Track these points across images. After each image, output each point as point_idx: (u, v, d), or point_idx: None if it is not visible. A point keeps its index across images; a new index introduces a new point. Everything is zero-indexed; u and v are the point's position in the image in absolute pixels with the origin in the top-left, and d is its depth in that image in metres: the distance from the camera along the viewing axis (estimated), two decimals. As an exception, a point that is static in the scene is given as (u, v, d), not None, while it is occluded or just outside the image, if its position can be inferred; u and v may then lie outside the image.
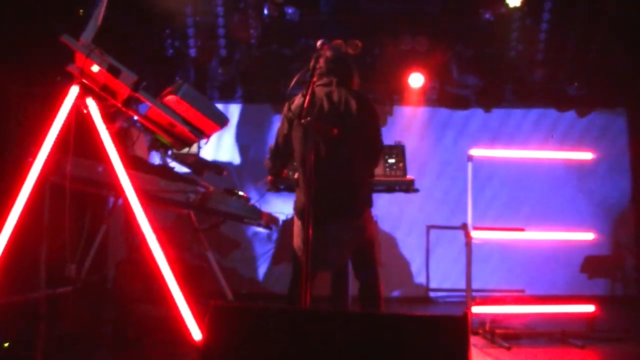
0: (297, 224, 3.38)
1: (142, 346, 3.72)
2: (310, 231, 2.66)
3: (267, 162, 3.65)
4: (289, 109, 3.38)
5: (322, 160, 3.19)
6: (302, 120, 2.74)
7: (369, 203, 3.46)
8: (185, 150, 3.90)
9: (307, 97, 2.82)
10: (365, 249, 3.41)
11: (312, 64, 3.06)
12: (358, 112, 3.29)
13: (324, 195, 3.12)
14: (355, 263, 3.47)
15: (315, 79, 3.26)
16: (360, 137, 3.31)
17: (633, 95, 6.31)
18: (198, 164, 4.22)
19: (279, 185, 4.07)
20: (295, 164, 3.53)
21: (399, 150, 4.65)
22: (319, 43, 3.13)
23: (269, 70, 6.16)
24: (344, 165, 3.26)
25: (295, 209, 3.41)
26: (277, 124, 3.63)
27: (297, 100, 3.37)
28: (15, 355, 3.23)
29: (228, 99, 6.42)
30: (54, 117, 3.11)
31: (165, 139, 3.67)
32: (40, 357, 3.13)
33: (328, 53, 3.42)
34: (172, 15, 5.65)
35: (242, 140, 6.55)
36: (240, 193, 4.06)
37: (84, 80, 3.16)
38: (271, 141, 3.62)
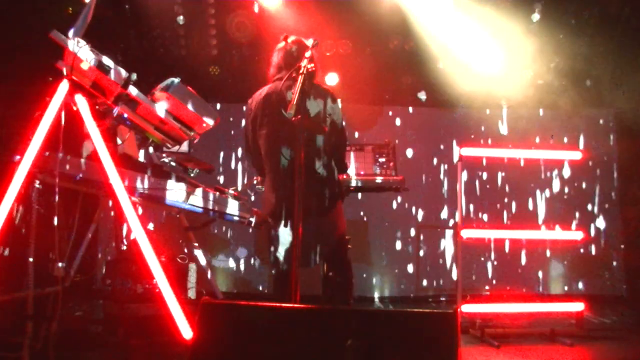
0: (268, 227, 3.35)
1: (133, 345, 3.70)
2: (290, 230, 2.64)
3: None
4: (251, 107, 3.41)
5: (290, 157, 3.18)
6: (293, 118, 2.73)
7: (339, 198, 3.43)
8: (176, 148, 3.88)
9: (296, 95, 2.73)
10: (339, 245, 3.39)
11: (275, 58, 3.07)
12: (320, 106, 3.29)
13: (294, 194, 3.10)
14: (328, 260, 3.42)
15: (276, 73, 3.31)
16: (324, 131, 3.28)
17: (620, 94, 6.36)
18: (188, 162, 4.19)
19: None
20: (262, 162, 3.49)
21: (389, 150, 4.65)
22: (281, 38, 3.12)
23: (258, 70, 6.15)
24: (311, 161, 3.23)
25: (266, 212, 3.37)
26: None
27: (257, 96, 3.39)
28: (2, 356, 3.19)
29: (218, 98, 6.41)
30: (43, 114, 3.09)
31: (155, 136, 3.64)
32: (28, 358, 3.09)
33: (288, 47, 3.41)
34: (162, 15, 5.63)
35: (232, 139, 6.53)
36: (231, 191, 4.04)
37: (73, 77, 3.14)
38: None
